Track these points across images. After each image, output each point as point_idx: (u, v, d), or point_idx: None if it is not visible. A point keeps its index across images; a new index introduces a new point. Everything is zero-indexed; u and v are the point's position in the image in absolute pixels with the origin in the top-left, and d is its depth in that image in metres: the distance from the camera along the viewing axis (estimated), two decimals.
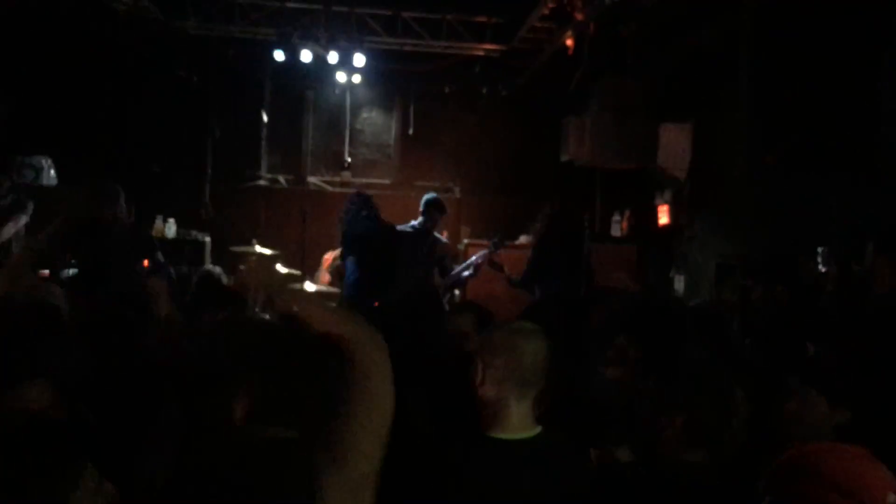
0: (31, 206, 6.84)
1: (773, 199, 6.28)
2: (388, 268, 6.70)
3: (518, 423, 2.36)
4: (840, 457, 1.80)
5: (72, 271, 6.07)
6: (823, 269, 5.30)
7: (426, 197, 7.14)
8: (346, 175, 10.57)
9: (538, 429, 2.39)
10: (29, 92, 8.78)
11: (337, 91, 10.55)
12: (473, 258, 7.21)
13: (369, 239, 6.68)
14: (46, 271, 6.21)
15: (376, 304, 6.45)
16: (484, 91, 10.58)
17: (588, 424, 2.91)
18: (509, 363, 2.35)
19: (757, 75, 6.63)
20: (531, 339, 2.42)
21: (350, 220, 6.76)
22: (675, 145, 8.05)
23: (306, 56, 9.26)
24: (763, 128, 6.50)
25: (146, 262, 6.39)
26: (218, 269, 8.20)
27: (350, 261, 6.77)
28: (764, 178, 6.42)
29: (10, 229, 6.62)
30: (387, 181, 10.76)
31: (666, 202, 8.23)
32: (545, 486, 2.31)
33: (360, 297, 6.73)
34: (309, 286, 7.58)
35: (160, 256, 6.24)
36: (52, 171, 8.64)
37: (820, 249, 5.34)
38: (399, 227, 6.97)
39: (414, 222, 7.02)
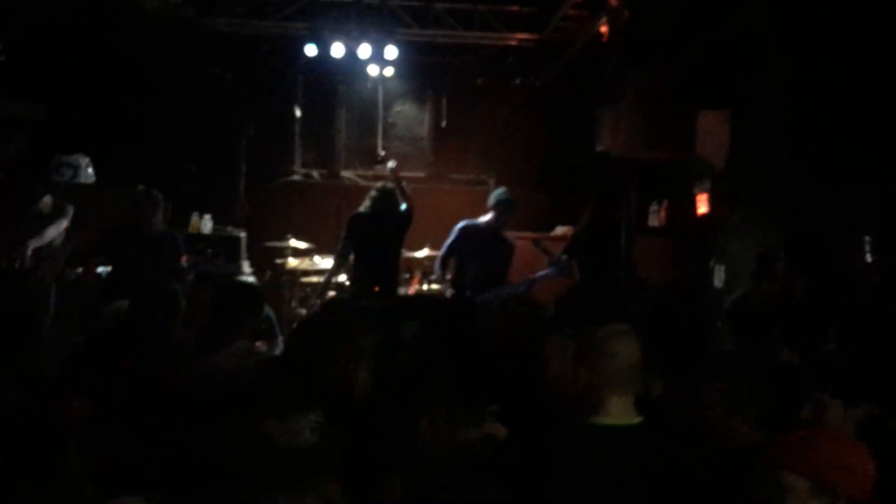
0: (71, 210, 6.92)
1: (814, 188, 6.14)
2: (378, 253, 6.86)
3: (620, 412, 2.65)
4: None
5: (104, 269, 6.21)
6: (870, 259, 5.18)
7: (498, 194, 7.07)
8: (380, 168, 10.54)
9: (640, 418, 2.66)
10: (64, 93, 8.86)
11: (369, 85, 10.52)
12: (536, 276, 7.02)
13: (359, 224, 6.89)
14: (81, 268, 6.35)
15: (376, 288, 6.56)
16: (517, 82, 10.48)
17: None
18: (610, 365, 2.65)
19: (795, 61, 6.48)
20: (627, 341, 2.71)
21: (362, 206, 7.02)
22: (713, 133, 7.89)
23: (338, 50, 9.24)
24: (802, 115, 6.35)
25: (183, 258, 6.50)
26: (250, 279, 8.28)
27: (345, 243, 7.02)
28: (805, 167, 6.27)
29: (52, 233, 6.71)
30: (420, 174, 10.72)
31: (705, 191, 8.08)
32: (646, 469, 2.54)
33: (359, 280, 6.92)
34: (342, 278, 7.65)
35: (183, 262, 6.38)
36: (90, 170, 8.73)
37: (867, 238, 5.21)
38: (467, 222, 7.04)
39: (484, 217, 7.01)
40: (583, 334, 2.84)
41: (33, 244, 6.45)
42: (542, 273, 6.89)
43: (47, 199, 6.72)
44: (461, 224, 7.05)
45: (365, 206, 7.03)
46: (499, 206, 6.91)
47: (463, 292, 6.65)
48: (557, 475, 2.52)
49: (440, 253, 7.14)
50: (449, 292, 6.98)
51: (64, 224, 6.73)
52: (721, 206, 7.87)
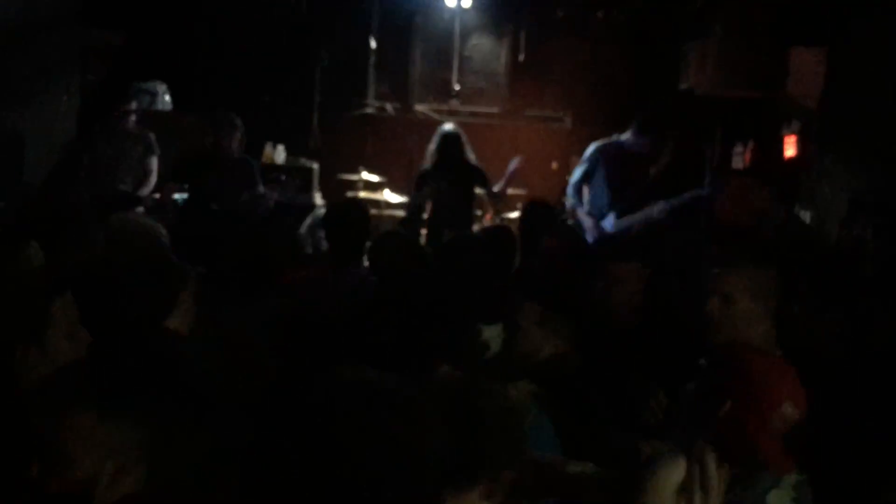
0: (152, 138, 7.00)
1: None
2: (449, 207, 6.72)
3: (769, 343, 2.79)
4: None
5: (180, 196, 6.24)
6: None
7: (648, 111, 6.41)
8: (454, 103, 10.38)
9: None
10: (141, 20, 8.88)
11: (446, 16, 10.30)
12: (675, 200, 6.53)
13: (427, 181, 6.72)
14: (158, 195, 6.40)
15: (445, 230, 6.45)
16: (599, 16, 10.11)
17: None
18: (768, 301, 2.84)
19: None
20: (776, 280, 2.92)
21: None
22: (806, 72, 7.52)
23: None
24: None
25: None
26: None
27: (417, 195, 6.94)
28: None
29: (153, 178, 6.86)
30: (495, 110, 10.51)
31: (794, 133, 7.73)
32: None
33: (431, 227, 6.81)
34: None
35: (261, 188, 6.34)
36: (167, 97, 8.79)
37: None
38: (603, 142, 6.51)
39: (623, 136, 6.36)
40: (740, 273, 2.93)
41: (147, 195, 6.56)
42: (682, 196, 6.46)
43: (133, 128, 6.83)
44: (596, 145, 6.46)
45: (429, 157, 6.77)
46: (640, 123, 6.29)
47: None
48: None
49: (572, 179, 6.63)
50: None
51: (155, 159, 6.87)
52: (810, 149, 7.52)
